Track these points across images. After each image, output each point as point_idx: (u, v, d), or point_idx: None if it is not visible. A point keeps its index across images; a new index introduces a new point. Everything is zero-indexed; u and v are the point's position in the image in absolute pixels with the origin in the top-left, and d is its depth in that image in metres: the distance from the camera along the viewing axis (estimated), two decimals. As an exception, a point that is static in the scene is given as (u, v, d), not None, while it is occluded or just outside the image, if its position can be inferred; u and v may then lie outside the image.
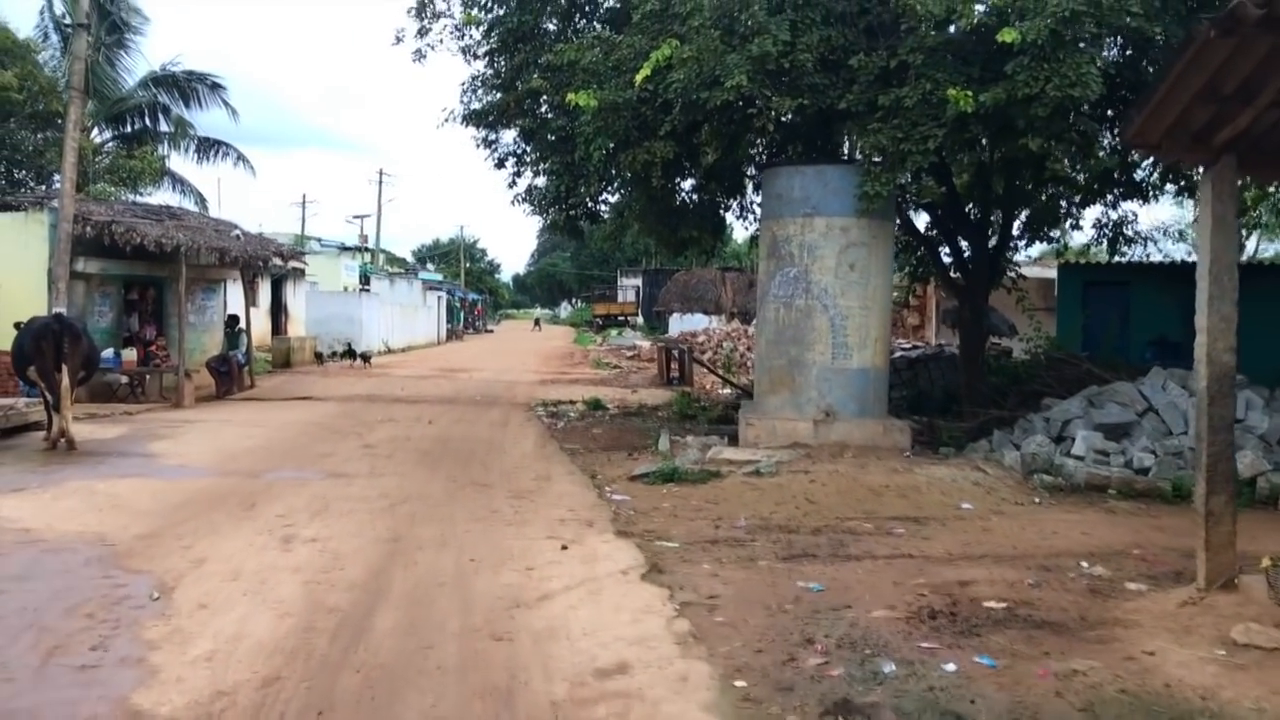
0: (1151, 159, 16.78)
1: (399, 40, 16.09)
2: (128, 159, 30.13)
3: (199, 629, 6.01)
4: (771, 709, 4.98)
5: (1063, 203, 17.20)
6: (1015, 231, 17.18)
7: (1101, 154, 15.12)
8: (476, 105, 16.39)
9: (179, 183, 32.83)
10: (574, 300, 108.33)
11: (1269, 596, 6.32)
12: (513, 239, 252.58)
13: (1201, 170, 6.88)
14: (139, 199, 28.24)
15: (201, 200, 33.05)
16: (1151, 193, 17.61)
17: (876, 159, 12.32)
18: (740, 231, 46.23)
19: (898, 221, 15.22)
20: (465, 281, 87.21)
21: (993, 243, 16.48)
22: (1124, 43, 13.18)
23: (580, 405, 20.12)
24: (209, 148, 32.81)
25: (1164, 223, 24.90)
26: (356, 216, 66.07)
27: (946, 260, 17.32)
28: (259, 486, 10.84)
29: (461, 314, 69.56)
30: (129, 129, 31.58)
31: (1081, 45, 11.09)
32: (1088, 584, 7.38)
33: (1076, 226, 18.47)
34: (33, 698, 5.01)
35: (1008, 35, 10.65)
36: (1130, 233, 18.23)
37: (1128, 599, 6.93)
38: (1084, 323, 19.78)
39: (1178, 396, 12.43)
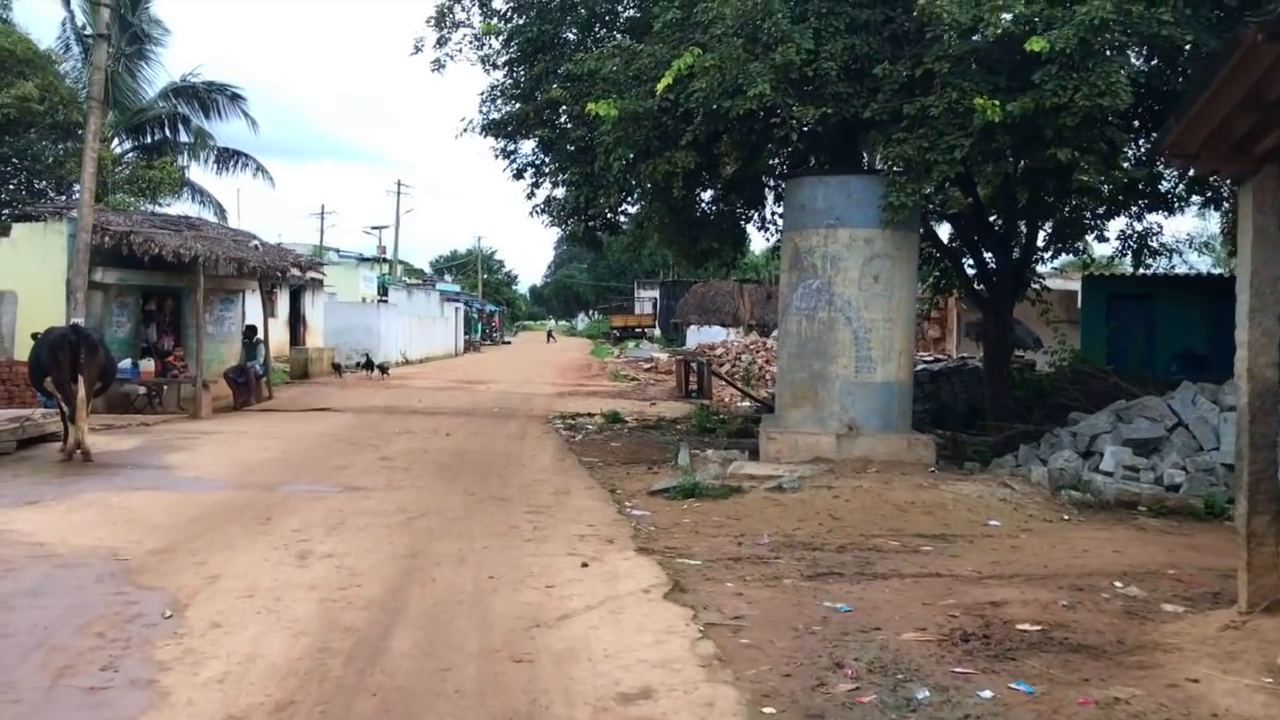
0: (1180, 170, 16.60)
1: (418, 49, 16.03)
2: (147, 169, 30.16)
3: (211, 649, 5.86)
4: (802, 738, 4.81)
5: (1086, 214, 17.00)
6: (1040, 243, 16.98)
7: (1126, 164, 14.94)
8: (495, 115, 16.30)
9: (198, 193, 32.86)
10: (590, 312, 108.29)
11: (1315, 621, 6.10)
12: (530, 250, 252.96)
13: (1231, 180, 6.68)
14: (158, 209, 28.25)
15: (221, 211, 33.07)
16: (1177, 204, 17.40)
17: (900, 169, 12.14)
18: (758, 243, 46.12)
19: (920, 232, 15.04)
20: (483, 293, 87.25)
21: (1017, 254, 16.28)
22: (1149, 52, 12.99)
23: (598, 418, 19.98)
24: (228, 158, 32.83)
25: (1189, 234, 24.60)
26: (375, 227, 66.00)
27: (970, 272, 17.13)
28: (275, 500, 10.71)
29: (479, 325, 69.56)
30: (149, 139, 31.64)
31: (1110, 54, 10.92)
32: (1123, 605, 7.16)
33: (1101, 238, 18.28)
34: (40, 721, 4.88)
35: (1036, 44, 10.48)
36: (1155, 244, 18.03)
37: (1166, 621, 6.71)
38: (1108, 335, 19.55)
39: (1208, 411, 12.18)
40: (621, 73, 12.85)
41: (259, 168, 33.36)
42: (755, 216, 17.34)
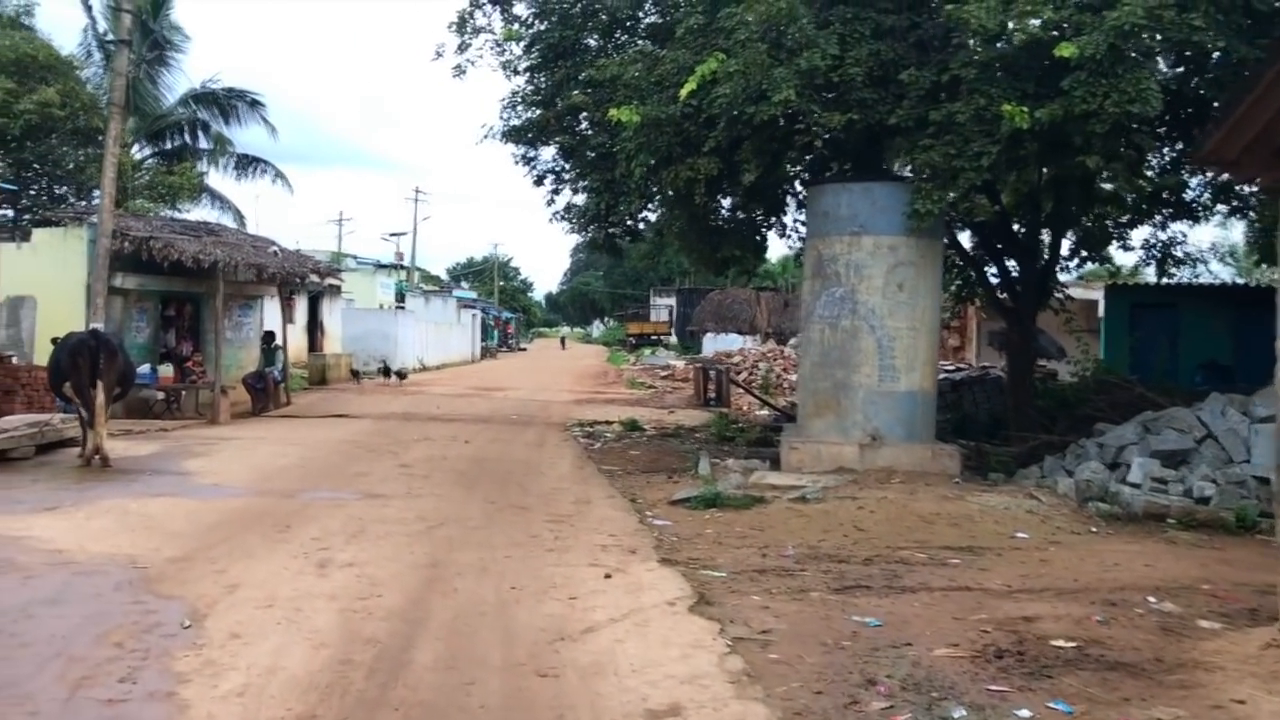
0: (1215, 176, 16.42)
1: (439, 55, 16.01)
2: (167, 175, 30.22)
3: (231, 660, 5.76)
4: (836, 758, 4.68)
5: (1108, 222, 16.85)
6: (1064, 252, 16.82)
7: (1150, 172, 14.77)
8: (516, 122, 16.24)
9: (217, 199, 32.91)
10: (606, 319, 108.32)
11: (1360, 640, 5.94)
12: (545, 258, 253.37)
13: (1269, 188, 6.54)
14: (177, 215, 28.31)
15: (240, 217, 33.11)
16: (1202, 213, 17.23)
17: (926, 175, 11.99)
18: (774, 250, 45.92)
19: (944, 240, 14.90)
20: (498, 300, 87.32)
21: (1041, 262, 16.12)
22: (1176, 59, 12.83)
23: (617, 426, 19.88)
24: (247, 164, 32.87)
25: (1213, 243, 24.45)
26: (392, 234, 66.30)
27: (993, 280, 16.97)
28: (294, 507, 10.63)
29: (495, 332, 69.60)
30: (169, 145, 31.71)
31: (1140, 60, 10.77)
32: (1158, 621, 7.01)
33: (1125, 247, 18.11)
34: (58, 733, 4.79)
35: (1066, 50, 10.33)
36: (1180, 254, 17.85)
37: (1204, 639, 6.55)
38: (1132, 345, 19.36)
39: (1238, 423, 11.99)
40: (644, 78, 12.76)
41: (278, 174, 33.42)
42: (776, 224, 17.21)
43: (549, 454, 15.86)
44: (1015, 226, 16.29)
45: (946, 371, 21.03)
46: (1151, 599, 7.56)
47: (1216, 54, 11.62)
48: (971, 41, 11.52)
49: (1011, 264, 16.28)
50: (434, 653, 6.00)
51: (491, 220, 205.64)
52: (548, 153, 16.74)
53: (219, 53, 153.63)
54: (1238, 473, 11.21)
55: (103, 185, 18.79)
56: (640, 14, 15.67)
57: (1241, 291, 21.75)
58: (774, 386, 27.98)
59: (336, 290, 35.95)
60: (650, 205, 16.09)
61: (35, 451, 13.69)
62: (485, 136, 16.43)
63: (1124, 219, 16.92)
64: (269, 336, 23.01)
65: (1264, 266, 27.05)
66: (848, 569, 8.42)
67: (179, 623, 6.43)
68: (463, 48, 15.81)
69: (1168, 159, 15.93)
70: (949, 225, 15.29)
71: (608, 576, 7.89)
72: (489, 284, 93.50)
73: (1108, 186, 14.68)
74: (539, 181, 16.92)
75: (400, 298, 48.15)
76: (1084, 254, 17.07)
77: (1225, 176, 15.54)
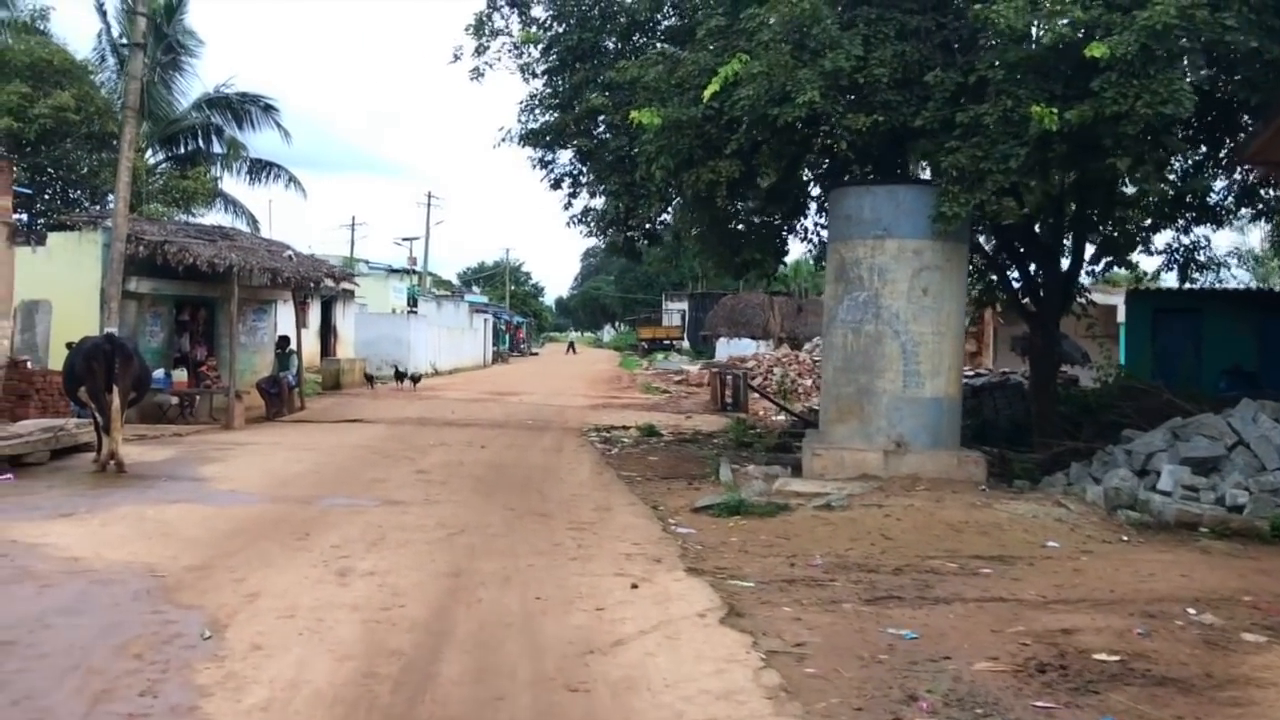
0: (1233, 180, 16.23)
1: (457, 58, 15.88)
2: (181, 179, 30.20)
3: (254, 673, 5.61)
4: (882, 779, 4.51)
5: (1130, 226, 16.64)
6: (1087, 256, 16.60)
7: (1172, 176, 14.55)
8: (533, 125, 16.12)
9: (231, 204, 32.90)
10: (617, 323, 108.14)
11: None
12: (557, 262, 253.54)
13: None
14: (191, 219, 28.26)
15: (253, 221, 33.09)
16: (1226, 216, 17.02)
17: (954, 178, 11.80)
18: (790, 254, 45.78)
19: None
20: (510, 304, 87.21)
21: (1064, 266, 15.91)
22: (1206, 59, 12.64)
23: (634, 431, 19.74)
24: (261, 169, 32.82)
25: (1236, 248, 24.20)
26: (405, 239, 66.05)
27: (1015, 285, 16.77)
28: (312, 514, 10.49)
29: (507, 337, 69.47)
30: (182, 150, 31.65)
31: (1171, 60, 10.58)
32: (1200, 634, 6.82)
33: (1147, 251, 17.91)
34: (78, 750, 4.64)
35: (1097, 50, 10.15)
36: (1203, 258, 17.63)
37: (1251, 653, 6.37)
38: (1155, 350, 19.14)
39: (1270, 430, 11.77)
40: (664, 80, 12.61)
41: (291, 178, 33.36)
42: (798, 227, 17.04)
43: (567, 459, 15.71)
44: (1037, 230, 16.09)
45: (966, 377, 20.78)
46: (1191, 610, 7.37)
47: (1252, 53, 11.40)
48: (998, 42, 11.34)
49: (1034, 268, 16.08)
50: (461, 666, 5.84)
51: (503, 225, 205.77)
52: (565, 156, 16.63)
53: (232, 57, 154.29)
54: (1271, 480, 10.98)
55: (117, 189, 18.70)
56: (659, 16, 15.53)
57: (1266, 296, 21.52)
58: (790, 391, 27.79)
59: (350, 295, 35.85)
60: (670, 208, 15.94)
61: (50, 457, 13.58)
62: (503, 140, 16.34)
63: (1146, 223, 16.71)
64: (283, 341, 22.89)
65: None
66: (878, 579, 8.24)
67: (199, 633, 6.28)
68: (480, 50, 15.71)
69: (1190, 162, 15.74)
70: (972, 229, 15.11)
71: (634, 586, 7.72)
72: (500, 288, 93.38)
73: (1130, 190, 14.47)
74: (556, 185, 16.80)
75: (412, 302, 48.05)
76: (1108, 258, 16.83)
77: (1254, 178, 15.39)
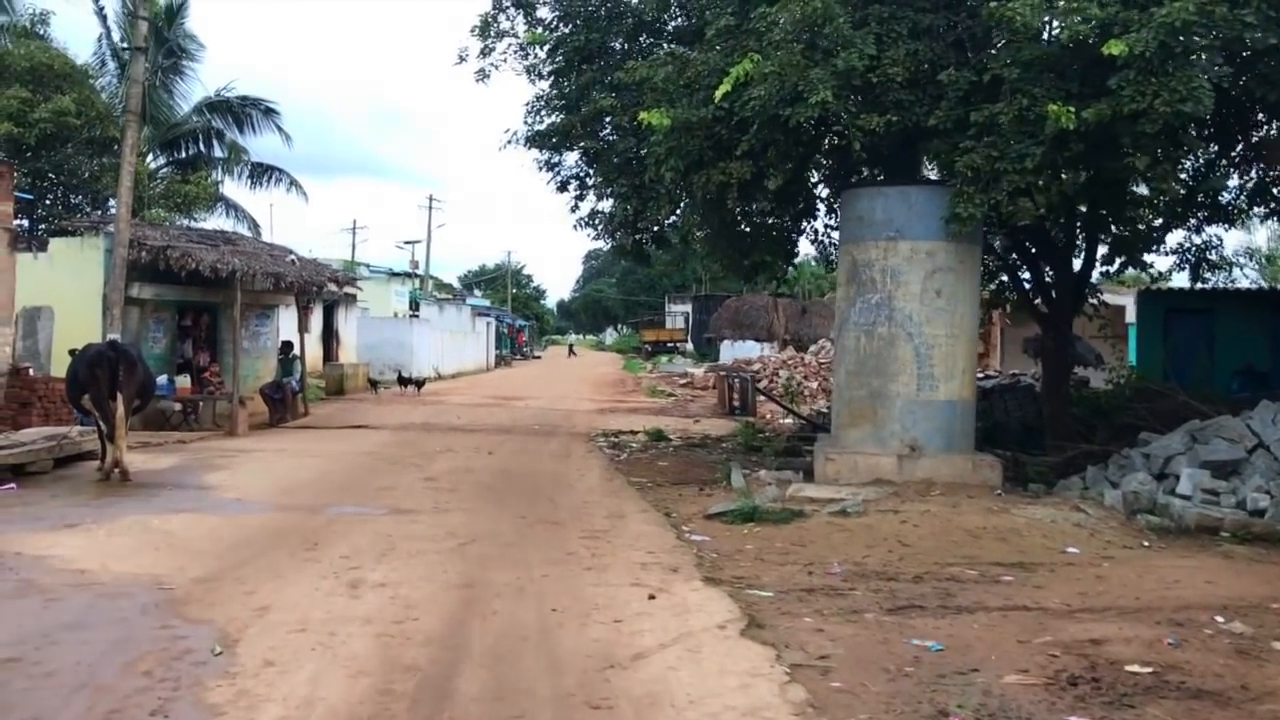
0: (1247, 178, 16.07)
1: (462, 60, 15.70)
2: (182, 184, 30.05)
3: (267, 690, 5.46)
4: (920, 801, 4.35)
5: (1141, 226, 16.48)
6: (1099, 256, 16.45)
7: (1183, 174, 14.39)
8: (540, 127, 15.96)
9: (233, 208, 32.70)
10: (619, 326, 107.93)
11: None
12: (558, 265, 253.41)
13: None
14: (193, 224, 28.10)
15: (254, 225, 32.88)
16: (1238, 216, 16.87)
17: (968, 178, 11.63)
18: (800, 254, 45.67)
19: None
20: (512, 307, 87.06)
21: (1077, 267, 15.76)
22: (1226, 57, 12.48)
23: (642, 435, 19.58)
24: (262, 173, 32.62)
25: (1248, 247, 24.08)
26: (406, 242, 65.80)
27: (1026, 286, 16.62)
28: (320, 523, 10.33)
29: (509, 340, 69.29)
30: (184, 154, 31.52)
31: (1191, 58, 10.43)
32: (1231, 643, 6.66)
33: (1159, 251, 17.76)
34: (87, 775, 4.49)
35: (1115, 47, 9.98)
36: (1215, 258, 17.48)
37: (1287, 663, 6.21)
38: (1167, 351, 18.99)
39: (1290, 432, 11.62)
40: (673, 81, 12.45)
41: (292, 182, 33.16)
42: (808, 229, 16.89)
43: (576, 465, 15.55)
44: (1049, 230, 15.93)
45: (976, 380, 20.66)
46: (1219, 618, 7.23)
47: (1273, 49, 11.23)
48: (1009, 40, 11.19)
49: (1046, 268, 15.92)
50: (479, 682, 5.69)
51: (504, 227, 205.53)
52: (572, 158, 16.48)
53: (233, 61, 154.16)
54: (1293, 484, 10.83)
55: (119, 194, 18.56)
56: (666, 16, 15.37)
57: (1279, 296, 21.35)
58: (796, 394, 27.63)
59: (352, 299, 35.71)
60: (679, 210, 15.78)
61: (53, 465, 13.43)
62: (508, 142, 16.18)
63: (1157, 222, 16.55)
64: (287, 346, 22.73)
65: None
66: (898, 587, 8.09)
67: (209, 649, 6.13)
68: (485, 52, 15.56)
69: (1202, 160, 15.58)
70: (984, 230, 14.96)
71: (652, 597, 7.56)
72: (501, 291, 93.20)
73: (1143, 190, 14.32)
74: (563, 187, 16.64)
75: (415, 306, 47.92)
76: (1120, 258, 16.68)
77: (1271, 176, 15.22)
